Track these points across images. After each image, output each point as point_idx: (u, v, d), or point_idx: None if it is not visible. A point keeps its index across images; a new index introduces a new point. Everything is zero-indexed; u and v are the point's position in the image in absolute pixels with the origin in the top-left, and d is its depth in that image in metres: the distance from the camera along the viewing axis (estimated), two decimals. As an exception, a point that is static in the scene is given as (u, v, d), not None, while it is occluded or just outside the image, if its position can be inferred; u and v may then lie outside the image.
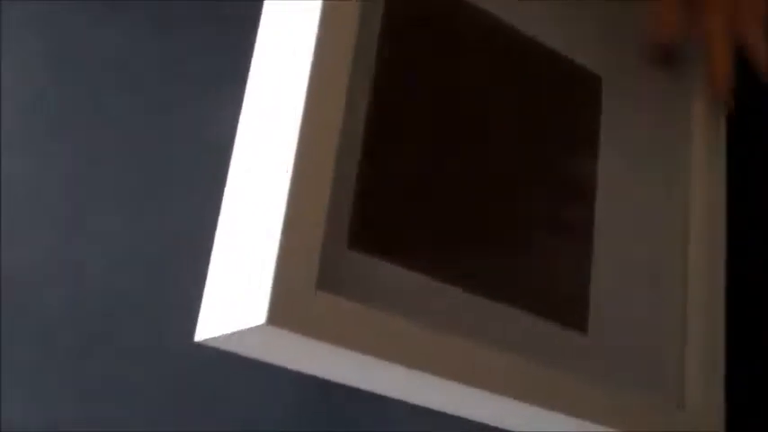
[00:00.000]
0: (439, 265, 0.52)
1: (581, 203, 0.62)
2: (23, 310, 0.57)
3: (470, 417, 0.56)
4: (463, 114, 0.55)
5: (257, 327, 0.41)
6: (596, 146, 0.64)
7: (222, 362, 0.57)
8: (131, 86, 0.62)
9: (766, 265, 0.70)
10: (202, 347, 0.57)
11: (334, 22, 0.44)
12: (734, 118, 0.74)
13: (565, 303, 0.59)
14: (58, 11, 0.63)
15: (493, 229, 0.56)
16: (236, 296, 0.43)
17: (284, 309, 0.41)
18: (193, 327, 0.58)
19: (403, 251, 0.51)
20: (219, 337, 0.43)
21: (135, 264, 0.58)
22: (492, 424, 0.56)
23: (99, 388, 0.56)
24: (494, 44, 0.58)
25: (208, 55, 0.63)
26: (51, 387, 0.56)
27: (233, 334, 0.42)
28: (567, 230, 0.60)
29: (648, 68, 0.67)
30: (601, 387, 0.55)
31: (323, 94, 0.42)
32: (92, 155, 0.60)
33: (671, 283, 0.64)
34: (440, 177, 0.53)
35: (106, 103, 0.61)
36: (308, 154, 0.42)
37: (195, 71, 0.63)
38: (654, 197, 0.66)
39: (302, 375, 0.58)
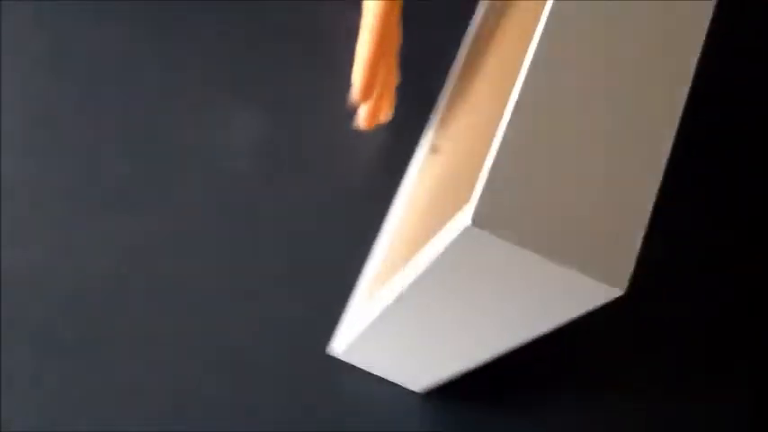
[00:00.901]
0: None
1: None
2: (23, 310, 0.57)
3: None
4: None
5: (610, 290, 0.38)
6: None
7: (221, 364, 0.57)
8: (131, 86, 0.62)
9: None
10: (204, 350, 0.57)
11: None
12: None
13: None
14: (58, 11, 0.63)
15: None
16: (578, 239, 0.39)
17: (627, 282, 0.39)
18: (189, 327, 0.58)
19: None
20: (503, 252, 0.38)
21: (136, 264, 0.58)
22: None
23: (99, 388, 0.56)
24: None
25: (208, 55, 0.63)
26: (51, 387, 0.55)
27: (540, 261, 0.38)
28: None
29: None
30: None
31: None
32: (92, 155, 0.60)
33: None
34: None
35: (106, 102, 0.61)
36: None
37: (195, 71, 0.63)
38: None
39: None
